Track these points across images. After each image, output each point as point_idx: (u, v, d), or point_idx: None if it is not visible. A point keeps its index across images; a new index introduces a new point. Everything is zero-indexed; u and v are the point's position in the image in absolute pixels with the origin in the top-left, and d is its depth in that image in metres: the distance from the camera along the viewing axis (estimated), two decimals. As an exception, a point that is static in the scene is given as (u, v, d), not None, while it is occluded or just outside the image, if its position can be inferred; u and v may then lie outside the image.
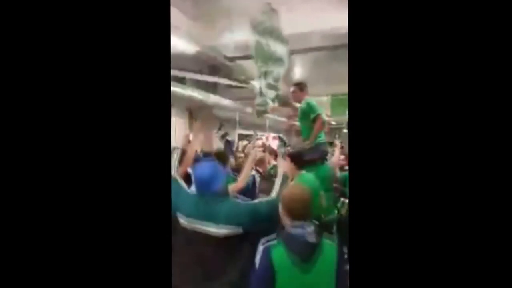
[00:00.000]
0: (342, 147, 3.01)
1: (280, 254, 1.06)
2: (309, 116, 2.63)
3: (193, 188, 1.44)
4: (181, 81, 4.67)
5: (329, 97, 6.39)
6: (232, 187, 1.69)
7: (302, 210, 1.14)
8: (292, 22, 3.00)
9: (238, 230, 1.26)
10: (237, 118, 7.22)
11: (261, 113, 2.82)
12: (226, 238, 1.25)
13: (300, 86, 2.81)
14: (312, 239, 1.08)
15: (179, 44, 3.01)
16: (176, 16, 2.97)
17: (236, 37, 3.33)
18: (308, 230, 1.09)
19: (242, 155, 2.07)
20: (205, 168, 1.41)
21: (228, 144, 3.95)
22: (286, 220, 1.16)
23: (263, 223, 1.30)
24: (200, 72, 4.65)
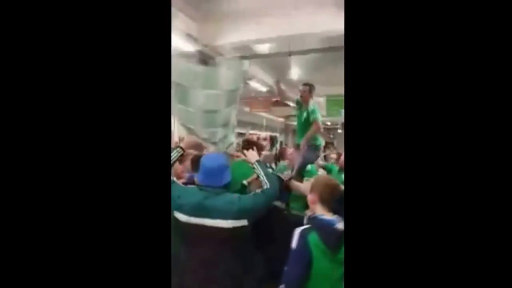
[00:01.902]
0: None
1: (314, 238, 1.16)
2: (309, 120, 2.70)
3: (198, 178, 1.41)
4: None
5: (325, 98, 6.45)
6: None
7: (336, 197, 1.25)
8: (290, 24, 3.02)
9: (243, 222, 1.28)
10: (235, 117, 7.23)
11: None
12: (232, 231, 1.27)
13: (310, 88, 2.83)
14: (342, 226, 1.17)
15: (178, 44, 3.02)
16: (176, 16, 2.98)
17: (235, 38, 3.35)
18: (338, 219, 1.21)
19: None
20: (215, 159, 1.39)
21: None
22: (317, 208, 1.27)
23: (263, 212, 1.35)
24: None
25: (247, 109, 7.40)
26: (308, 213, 1.31)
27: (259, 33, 3.20)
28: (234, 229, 1.26)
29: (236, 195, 1.35)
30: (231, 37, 3.34)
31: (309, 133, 2.67)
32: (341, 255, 1.13)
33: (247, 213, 1.28)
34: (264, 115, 9.64)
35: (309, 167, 2.65)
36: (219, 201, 1.28)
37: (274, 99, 7.16)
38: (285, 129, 12.34)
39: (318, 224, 1.20)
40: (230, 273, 1.27)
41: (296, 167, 2.67)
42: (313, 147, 2.73)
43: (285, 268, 1.17)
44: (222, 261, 1.27)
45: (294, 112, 3.15)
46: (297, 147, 2.88)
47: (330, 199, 1.26)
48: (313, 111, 2.72)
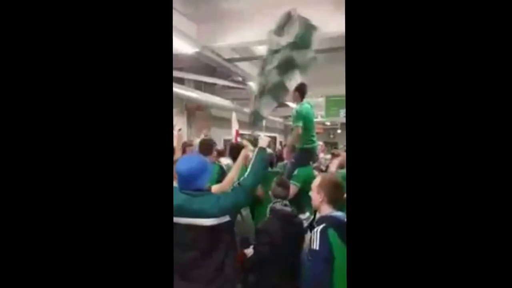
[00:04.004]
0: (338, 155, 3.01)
1: (333, 235, 1.20)
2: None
3: (177, 182, 1.37)
4: (180, 81, 4.70)
5: (324, 98, 6.46)
6: (221, 186, 1.68)
7: (341, 195, 1.31)
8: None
9: (226, 218, 1.31)
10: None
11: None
12: (216, 227, 1.28)
13: (296, 87, 2.67)
14: None
15: (178, 45, 3.03)
16: (176, 18, 2.99)
17: (234, 39, 3.36)
18: (344, 214, 1.25)
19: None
20: (189, 163, 1.34)
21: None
22: (323, 207, 1.32)
23: (246, 203, 1.40)
24: (199, 73, 4.68)
25: (247, 109, 7.40)
26: (306, 214, 1.33)
27: (258, 34, 3.21)
28: (217, 225, 1.28)
29: (215, 195, 1.35)
30: (230, 38, 3.35)
31: (289, 141, 2.58)
32: None
33: (229, 210, 1.32)
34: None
35: (296, 171, 2.56)
36: (200, 203, 1.28)
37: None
38: (285, 129, 12.34)
39: (333, 222, 1.24)
40: (220, 269, 1.29)
41: (286, 172, 2.66)
42: (303, 151, 2.67)
43: (310, 269, 1.20)
44: (210, 257, 1.29)
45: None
46: (291, 148, 2.86)
47: (337, 198, 1.31)
48: (296, 117, 2.56)
